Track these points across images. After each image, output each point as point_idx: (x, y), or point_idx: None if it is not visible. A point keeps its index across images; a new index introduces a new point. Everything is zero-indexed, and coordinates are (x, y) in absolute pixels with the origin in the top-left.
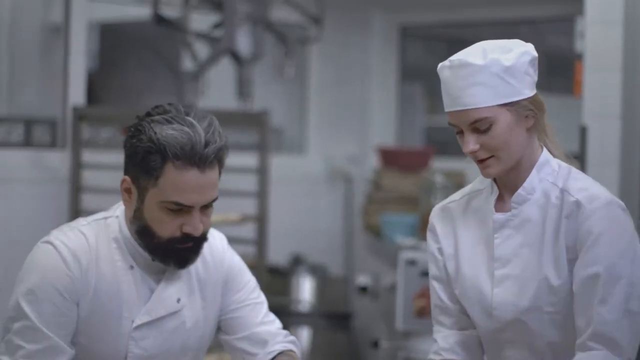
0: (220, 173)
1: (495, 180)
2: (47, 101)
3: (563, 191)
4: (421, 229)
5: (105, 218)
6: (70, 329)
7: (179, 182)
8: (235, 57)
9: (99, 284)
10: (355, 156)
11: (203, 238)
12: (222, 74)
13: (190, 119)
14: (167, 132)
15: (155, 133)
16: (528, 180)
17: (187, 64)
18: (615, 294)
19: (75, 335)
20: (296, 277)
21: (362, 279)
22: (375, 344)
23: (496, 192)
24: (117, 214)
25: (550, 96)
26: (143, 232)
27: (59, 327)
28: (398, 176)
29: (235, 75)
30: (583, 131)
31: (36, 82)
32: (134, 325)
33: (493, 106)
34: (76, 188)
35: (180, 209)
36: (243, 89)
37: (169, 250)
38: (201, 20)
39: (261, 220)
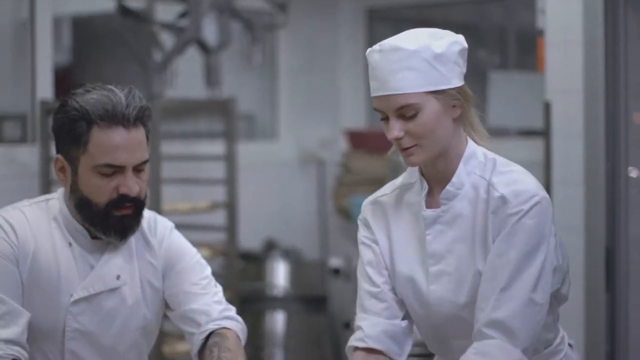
0: (148, 138)
1: (422, 174)
2: (17, 97)
3: (490, 185)
4: None
5: (47, 200)
6: (19, 293)
7: (106, 142)
8: (202, 46)
9: (36, 256)
10: (327, 140)
11: (141, 203)
12: (190, 63)
13: (109, 86)
14: (88, 98)
15: (77, 102)
16: (456, 174)
17: (156, 55)
18: (521, 282)
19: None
20: (270, 261)
21: (335, 261)
22: (348, 325)
23: (425, 187)
24: (58, 195)
25: (520, 73)
26: (81, 205)
27: (11, 291)
28: (366, 158)
29: (203, 64)
30: (547, 107)
31: (7, 79)
32: (72, 299)
33: (421, 93)
34: (46, 182)
35: (113, 172)
36: (211, 77)
37: (108, 218)
38: (167, 11)
39: (230, 206)
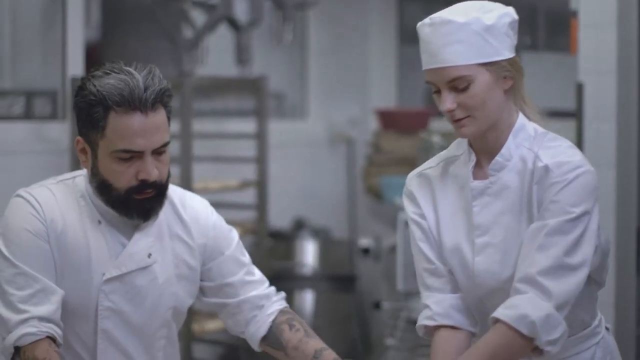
0: (169, 118)
1: (471, 145)
2: (47, 73)
3: (536, 157)
4: None
5: (74, 177)
6: (52, 270)
7: (123, 128)
8: (233, 23)
9: (65, 234)
10: (356, 119)
11: (162, 186)
12: (220, 41)
13: (127, 68)
14: (106, 82)
15: (94, 86)
16: (505, 146)
17: (186, 32)
18: (557, 244)
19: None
20: (299, 240)
21: (364, 241)
22: (377, 305)
23: (473, 159)
24: (84, 172)
25: (551, 54)
26: (101, 188)
27: (44, 268)
28: (397, 138)
29: (233, 42)
30: (579, 88)
31: (38, 55)
32: (104, 278)
33: (472, 65)
34: (76, 159)
35: (131, 157)
36: (241, 55)
37: (128, 202)
38: None
39: (261, 185)
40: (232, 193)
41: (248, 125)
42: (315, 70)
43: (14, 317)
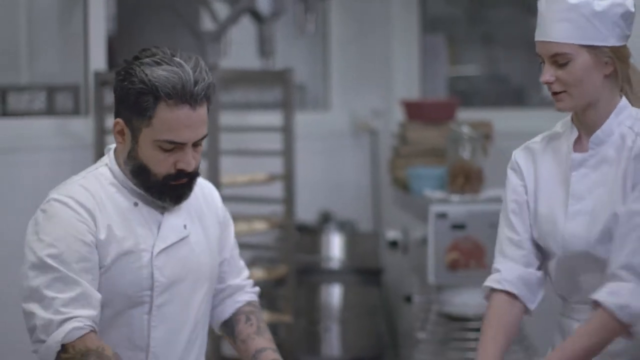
0: (208, 110)
1: (573, 122)
2: (68, 68)
3: (636, 135)
4: (450, 181)
5: (96, 169)
6: (95, 273)
7: (171, 120)
8: (256, 15)
9: (111, 224)
10: (380, 110)
11: (196, 174)
12: (243, 33)
13: (177, 59)
14: (158, 73)
15: (146, 75)
16: (607, 123)
17: (207, 24)
18: None
19: (101, 279)
20: (325, 234)
21: (392, 234)
22: (409, 299)
23: (575, 132)
24: (106, 162)
25: None
26: (139, 171)
27: (86, 272)
28: (423, 129)
29: (256, 34)
30: None
31: (57, 49)
32: (154, 253)
33: (574, 44)
34: (101, 154)
35: (173, 147)
36: (265, 47)
37: (164, 187)
38: None
39: (288, 178)
40: (257, 187)
41: (272, 118)
42: (337, 61)
43: (57, 318)
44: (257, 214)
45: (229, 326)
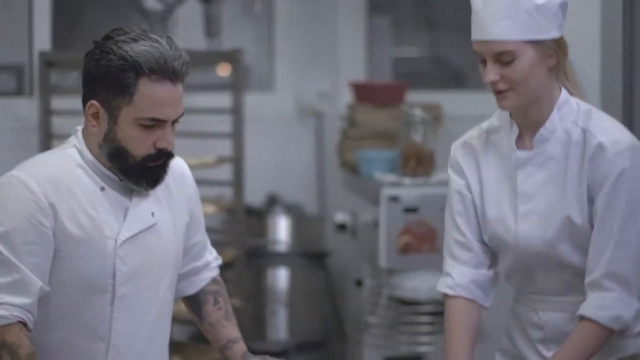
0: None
1: (512, 117)
2: (12, 47)
3: (585, 131)
4: (401, 164)
5: (64, 149)
6: (43, 258)
7: (154, 96)
8: None
9: (74, 207)
10: (326, 92)
11: (171, 154)
12: (189, 12)
13: (153, 36)
14: (139, 49)
15: (126, 51)
16: (549, 119)
17: (152, 2)
18: (632, 234)
19: (61, 263)
20: (272, 217)
21: (340, 217)
22: (359, 283)
23: (516, 130)
24: (74, 143)
25: None
26: (116, 154)
27: (31, 255)
28: (373, 111)
29: (202, 14)
30: None
31: (0, 29)
32: (119, 242)
33: (519, 41)
34: (46, 135)
35: (153, 125)
36: (211, 27)
37: (143, 169)
38: None
39: (237, 161)
40: (206, 169)
41: (220, 100)
42: (282, 42)
43: None
44: (204, 197)
45: (195, 304)
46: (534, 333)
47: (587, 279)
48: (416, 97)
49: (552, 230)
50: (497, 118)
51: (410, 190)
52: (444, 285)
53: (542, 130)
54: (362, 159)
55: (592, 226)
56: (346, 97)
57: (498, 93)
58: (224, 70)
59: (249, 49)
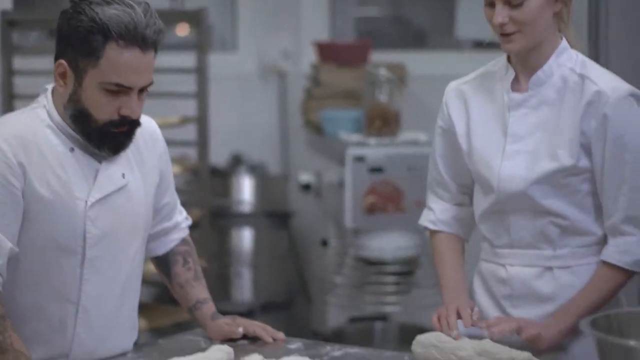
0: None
1: (510, 62)
2: None
3: (584, 77)
4: (367, 124)
5: (33, 109)
6: (12, 218)
7: (120, 62)
8: None
9: (43, 168)
10: (289, 52)
11: (137, 123)
12: None
13: (128, 1)
14: (110, 12)
15: (97, 14)
16: (548, 64)
17: None
18: None
19: (30, 225)
20: (236, 177)
21: (304, 177)
22: (325, 243)
23: (512, 73)
24: (43, 103)
25: None
26: (79, 116)
27: (0, 216)
28: (337, 71)
29: None
30: None
31: None
32: (89, 204)
33: None
34: (9, 96)
35: (118, 91)
36: None
37: (104, 134)
38: None
39: (202, 121)
40: (170, 130)
41: (184, 60)
42: (245, 1)
43: None
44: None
45: (164, 265)
46: (500, 289)
47: (606, 224)
48: (380, 57)
49: (537, 170)
50: (493, 64)
51: (375, 150)
52: (426, 220)
53: (539, 73)
54: (327, 119)
55: (580, 169)
56: (310, 56)
57: (504, 36)
58: (182, 30)
59: (211, 9)
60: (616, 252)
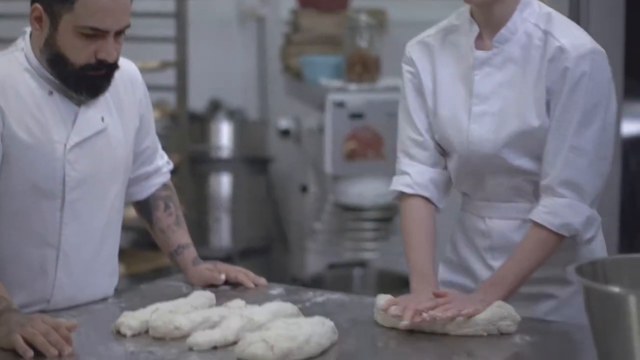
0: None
1: (473, 17)
2: None
3: (547, 33)
4: (347, 70)
5: (11, 52)
6: None
7: (95, 5)
8: None
9: (21, 111)
10: None
11: (115, 66)
12: None
13: None
14: None
15: None
16: (511, 20)
17: None
18: (587, 140)
19: (9, 168)
20: (215, 122)
21: (283, 122)
22: (304, 189)
23: (476, 29)
24: (22, 47)
25: None
26: (55, 61)
27: None
28: (317, 16)
29: None
30: None
31: None
32: (68, 147)
33: None
34: None
35: (94, 34)
36: None
37: (81, 78)
38: None
39: (180, 65)
40: (149, 74)
41: (159, 3)
42: None
43: None
44: None
45: (145, 209)
46: (480, 241)
47: (543, 182)
48: (360, 3)
49: (505, 132)
50: (455, 17)
51: (355, 96)
52: (400, 184)
53: (503, 30)
54: (307, 64)
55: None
56: (289, 1)
57: None
58: None
59: None
60: (544, 212)
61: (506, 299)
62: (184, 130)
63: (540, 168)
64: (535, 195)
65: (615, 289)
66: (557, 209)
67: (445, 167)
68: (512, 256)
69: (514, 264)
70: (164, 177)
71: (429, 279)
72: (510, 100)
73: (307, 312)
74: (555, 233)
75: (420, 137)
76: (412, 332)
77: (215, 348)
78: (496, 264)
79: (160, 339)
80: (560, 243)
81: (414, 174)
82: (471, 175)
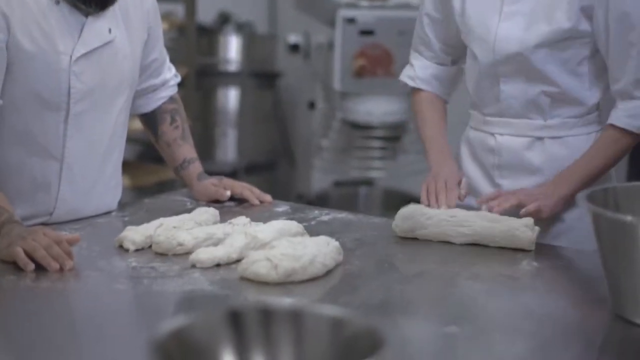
0: None
1: None
2: None
3: None
4: None
5: None
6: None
7: None
8: None
9: (26, 19)
10: None
11: None
12: None
13: None
14: None
15: None
16: None
17: None
18: None
19: (13, 78)
20: (223, 35)
21: (293, 37)
22: (312, 105)
23: None
24: None
25: None
26: None
27: None
28: None
29: None
30: None
31: None
32: (73, 58)
33: None
34: None
35: None
36: None
37: None
38: None
39: None
40: None
41: None
42: None
43: None
44: None
45: (151, 122)
46: (488, 159)
47: (615, 87)
48: None
49: (535, 32)
50: None
51: (367, 12)
52: (405, 75)
53: None
54: None
55: (579, 32)
56: None
57: None
58: None
59: None
60: (625, 115)
61: (572, 198)
62: (192, 42)
63: (561, 77)
64: (550, 111)
65: (627, 217)
66: (638, 111)
67: (454, 63)
68: (583, 155)
69: (584, 161)
70: (171, 90)
71: (446, 153)
72: (542, 2)
73: (312, 230)
74: (634, 134)
75: (427, 38)
76: (419, 253)
77: (218, 265)
78: (504, 182)
79: (162, 255)
80: (633, 144)
81: (418, 68)
82: (488, 82)
